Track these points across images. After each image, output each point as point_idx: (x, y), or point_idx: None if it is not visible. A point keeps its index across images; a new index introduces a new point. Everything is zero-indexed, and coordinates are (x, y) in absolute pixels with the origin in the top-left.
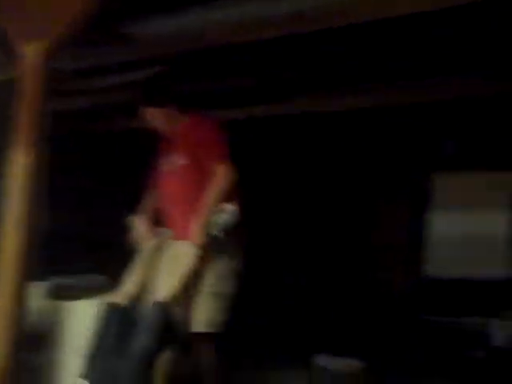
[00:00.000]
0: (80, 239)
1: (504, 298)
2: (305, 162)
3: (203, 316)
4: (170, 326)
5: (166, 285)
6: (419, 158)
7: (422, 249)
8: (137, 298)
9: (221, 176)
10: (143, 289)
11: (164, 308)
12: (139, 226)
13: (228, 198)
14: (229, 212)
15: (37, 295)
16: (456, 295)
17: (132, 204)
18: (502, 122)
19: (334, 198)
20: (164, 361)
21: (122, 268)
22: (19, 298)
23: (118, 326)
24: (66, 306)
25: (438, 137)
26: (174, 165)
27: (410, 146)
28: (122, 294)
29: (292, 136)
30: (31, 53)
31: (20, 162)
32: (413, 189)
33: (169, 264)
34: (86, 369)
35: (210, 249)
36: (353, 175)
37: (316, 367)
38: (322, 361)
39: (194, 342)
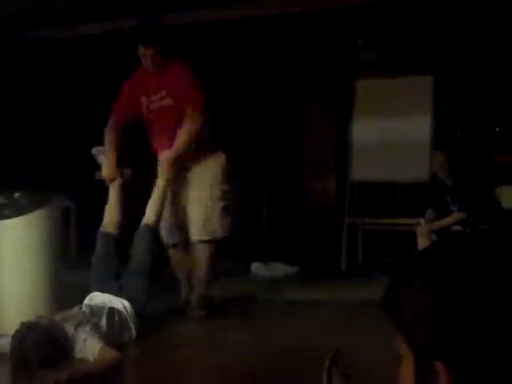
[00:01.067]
0: None
1: (425, 199)
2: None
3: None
4: (157, 241)
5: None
6: (340, 67)
7: (347, 155)
8: (120, 225)
9: (192, 119)
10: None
11: (150, 228)
12: (106, 164)
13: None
14: None
15: None
16: (382, 198)
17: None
18: (420, 26)
19: (259, 113)
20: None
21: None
22: None
23: (113, 249)
24: None
25: (358, 43)
26: (158, 104)
27: (330, 53)
28: (110, 224)
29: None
30: None
31: None
32: (335, 96)
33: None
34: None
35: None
36: (273, 85)
37: (253, 274)
38: (258, 268)
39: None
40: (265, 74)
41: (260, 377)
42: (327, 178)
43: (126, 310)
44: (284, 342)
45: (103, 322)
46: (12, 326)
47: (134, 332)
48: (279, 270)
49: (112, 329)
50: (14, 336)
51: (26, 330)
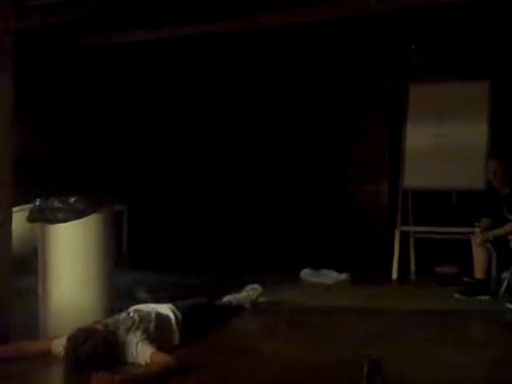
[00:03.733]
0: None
1: (481, 207)
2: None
3: None
4: None
5: None
6: (394, 72)
7: (399, 161)
8: None
9: None
10: None
11: None
12: None
13: None
14: None
15: (20, 218)
16: (434, 206)
17: None
18: (475, 31)
19: (311, 117)
20: None
21: None
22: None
23: None
24: (50, 229)
25: (411, 48)
26: None
27: (384, 58)
28: None
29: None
30: None
31: None
32: (389, 100)
33: None
34: None
35: None
36: (327, 89)
37: (302, 280)
38: (308, 274)
39: None
40: (318, 77)
41: None
42: (380, 183)
43: (174, 315)
44: (333, 350)
45: (152, 326)
46: (67, 327)
47: (179, 337)
48: (329, 276)
49: (160, 333)
50: (69, 340)
51: (83, 336)
